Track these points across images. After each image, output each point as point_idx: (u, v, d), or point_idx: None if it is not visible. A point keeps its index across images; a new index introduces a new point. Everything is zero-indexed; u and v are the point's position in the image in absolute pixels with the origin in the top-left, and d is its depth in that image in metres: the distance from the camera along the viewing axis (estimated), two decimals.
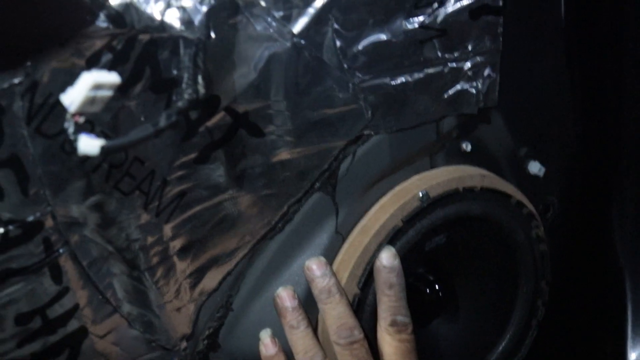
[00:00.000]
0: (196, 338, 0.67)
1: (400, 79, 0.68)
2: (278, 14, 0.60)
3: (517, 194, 0.77)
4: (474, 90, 0.72)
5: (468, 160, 0.77)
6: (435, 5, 0.68)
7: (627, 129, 0.88)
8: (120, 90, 0.54)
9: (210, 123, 0.60)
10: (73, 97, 0.48)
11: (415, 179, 0.74)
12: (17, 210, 0.54)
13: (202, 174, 0.62)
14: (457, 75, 0.71)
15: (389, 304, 0.68)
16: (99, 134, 0.54)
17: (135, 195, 0.59)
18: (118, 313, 0.62)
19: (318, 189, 0.68)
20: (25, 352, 0.58)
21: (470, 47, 0.71)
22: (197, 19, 0.56)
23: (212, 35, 0.57)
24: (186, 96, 0.54)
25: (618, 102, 0.88)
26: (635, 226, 0.91)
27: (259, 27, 0.60)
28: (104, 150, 0.49)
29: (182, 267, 0.64)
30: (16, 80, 0.50)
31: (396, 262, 0.68)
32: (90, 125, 0.54)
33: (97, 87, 0.48)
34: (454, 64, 0.70)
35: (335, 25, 0.63)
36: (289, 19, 0.61)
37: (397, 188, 0.73)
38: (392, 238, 0.69)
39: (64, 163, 0.54)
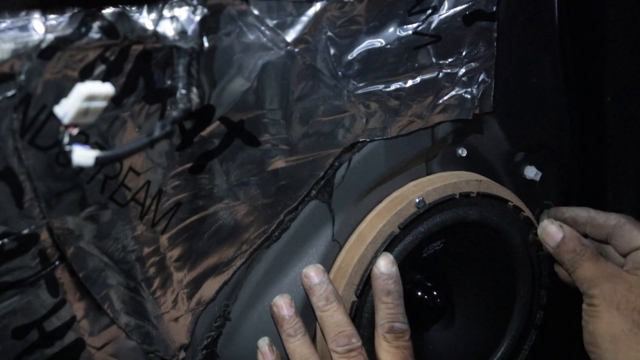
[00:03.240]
0: (194, 348, 0.67)
1: (395, 86, 0.68)
2: (272, 23, 0.60)
3: (514, 199, 0.77)
4: (468, 96, 0.72)
5: (464, 165, 0.78)
6: (429, 11, 0.68)
7: (624, 133, 0.88)
8: (114, 101, 0.54)
9: (205, 132, 0.60)
10: (67, 109, 0.47)
11: (411, 185, 0.74)
12: (12, 223, 0.54)
13: (197, 183, 0.61)
14: (452, 81, 0.71)
15: (387, 311, 0.68)
16: (94, 145, 0.54)
17: (131, 206, 0.59)
18: (115, 324, 0.61)
19: (314, 197, 0.68)
20: None
21: (464, 53, 0.71)
22: (191, 29, 0.56)
23: (206, 44, 0.57)
24: (181, 106, 0.54)
25: (614, 107, 0.88)
26: None
27: (252, 36, 0.60)
28: (98, 161, 0.48)
29: (179, 277, 0.63)
30: (9, 93, 0.50)
31: (394, 269, 0.68)
32: (84, 136, 0.54)
33: (91, 98, 0.48)
34: (449, 70, 0.70)
35: (329, 33, 0.63)
36: (282, 27, 0.61)
37: (393, 195, 0.73)
38: (389, 245, 0.69)
39: (58, 175, 0.54)
